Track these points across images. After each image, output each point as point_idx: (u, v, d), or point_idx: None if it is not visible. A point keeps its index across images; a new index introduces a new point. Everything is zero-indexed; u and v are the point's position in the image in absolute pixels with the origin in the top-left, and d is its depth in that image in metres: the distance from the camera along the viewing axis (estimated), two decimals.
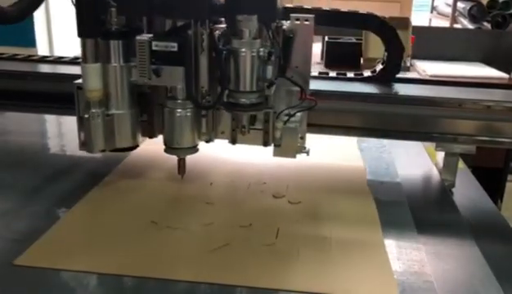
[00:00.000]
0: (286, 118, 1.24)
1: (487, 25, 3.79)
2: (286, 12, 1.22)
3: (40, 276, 0.97)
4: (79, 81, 1.22)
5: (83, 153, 1.62)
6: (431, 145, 1.58)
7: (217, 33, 1.17)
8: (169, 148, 1.26)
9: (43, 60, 1.83)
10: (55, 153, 1.70)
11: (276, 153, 1.30)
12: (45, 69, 1.73)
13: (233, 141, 1.32)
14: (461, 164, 1.63)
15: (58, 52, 3.42)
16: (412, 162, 1.62)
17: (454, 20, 4.38)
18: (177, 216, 1.20)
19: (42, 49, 3.33)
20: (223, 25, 1.20)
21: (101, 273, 0.98)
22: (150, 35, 1.16)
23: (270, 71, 1.16)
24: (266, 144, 1.30)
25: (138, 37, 1.14)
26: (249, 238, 1.11)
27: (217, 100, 1.18)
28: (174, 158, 1.52)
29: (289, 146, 1.27)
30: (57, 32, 3.50)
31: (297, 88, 1.22)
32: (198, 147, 1.28)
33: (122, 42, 1.17)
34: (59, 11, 3.53)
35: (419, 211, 1.28)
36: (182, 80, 1.15)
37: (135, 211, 1.22)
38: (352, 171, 1.50)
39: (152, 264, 1.01)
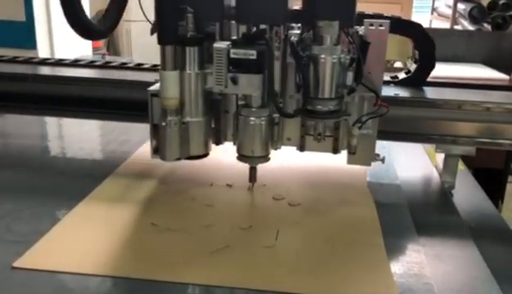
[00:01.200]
0: (359, 124, 1.22)
1: (488, 27, 3.79)
2: None
3: (39, 279, 0.97)
4: (154, 88, 1.21)
5: (83, 155, 1.64)
6: (431, 147, 1.58)
7: (293, 39, 1.15)
8: (242, 156, 1.25)
9: (44, 62, 1.84)
10: (55, 156, 1.70)
11: (350, 161, 1.28)
12: (46, 71, 1.74)
13: (301, 148, 1.31)
14: (461, 166, 1.63)
15: (59, 54, 3.42)
16: (412, 163, 1.62)
17: (454, 21, 4.38)
18: (177, 218, 1.20)
19: (42, 51, 3.33)
20: (296, 31, 1.18)
21: (101, 276, 0.98)
22: (228, 43, 1.14)
23: (350, 77, 1.15)
24: (336, 151, 1.29)
25: (216, 45, 1.12)
26: (249, 240, 1.11)
27: (302, 107, 1.16)
28: (173, 162, 1.53)
29: (364, 154, 1.26)
30: (58, 34, 3.50)
31: (369, 94, 1.21)
32: (270, 156, 1.26)
33: (197, 49, 1.15)
34: (60, 13, 3.53)
35: (419, 213, 1.28)
36: (259, 88, 1.13)
37: (134, 213, 1.22)
38: (352, 172, 1.50)
39: (152, 266, 1.01)
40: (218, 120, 1.27)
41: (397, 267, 1.04)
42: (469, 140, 1.40)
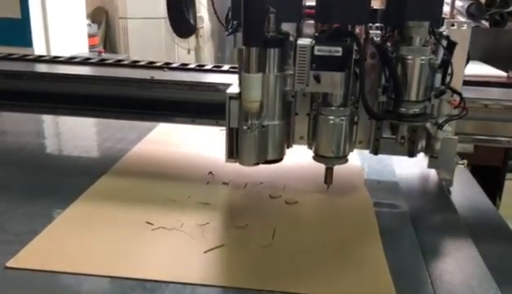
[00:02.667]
0: (439, 127, 1.21)
1: (486, 24, 3.77)
2: None
3: (33, 278, 0.96)
4: (232, 91, 1.17)
5: (79, 153, 1.63)
6: None
7: (376, 39, 1.15)
8: (319, 156, 1.23)
9: (39, 59, 1.83)
10: (50, 154, 1.69)
11: (431, 165, 1.26)
12: (41, 68, 1.73)
13: (375, 151, 1.29)
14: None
15: (55, 52, 3.40)
16: (410, 160, 1.61)
17: (452, 18, 4.36)
18: (172, 217, 1.19)
19: (38, 49, 3.31)
20: (375, 31, 1.17)
21: (95, 276, 0.97)
22: (310, 40, 1.11)
23: (439, 79, 1.13)
24: (411, 154, 1.28)
25: (300, 42, 1.10)
26: (245, 239, 1.10)
27: (394, 109, 1.13)
28: (169, 160, 1.52)
29: (446, 157, 1.23)
30: (54, 31, 3.49)
31: (448, 96, 1.19)
32: (348, 157, 1.24)
33: (278, 50, 1.13)
34: (56, 11, 3.52)
35: (417, 212, 1.27)
36: (341, 86, 1.10)
37: (130, 211, 1.21)
38: (350, 170, 1.49)
39: (147, 265, 1.00)
40: (289, 123, 1.26)
41: (394, 266, 1.02)
42: (466, 137, 1.40)
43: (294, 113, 1.27)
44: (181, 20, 1.37)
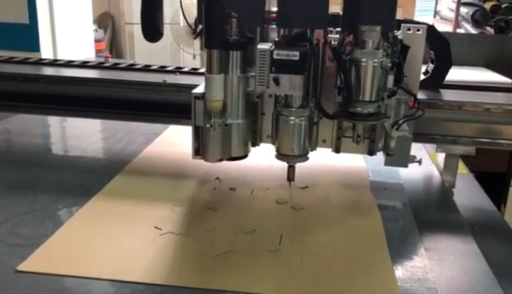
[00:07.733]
0: (396, 126, 1.25)
1: (490, 30, 3.78)
2: None
3: (43, 282, 0.97)
4: (197, 91, 1.22)
5: (89, 157, 1.64)
6: (432, 148, 1.60)
7: (333, 43, 1.19)
8: (281, 154, 1.27)
9: (53, 63, 1.87)
10: (60, 157, 1.70)
11: (387, 163, 1.30)
12: (56, 72, 1.75)
13: (337, 150, 1.34)
14: (465, 170, 1.63)
15: (62, 57, 3.43)
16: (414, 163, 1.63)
17: (457, 24, 4.36)
18: (179, 222, 1.20)
19: (46, 54, 3.34)
20: (335, 35, 1.22)
21: (105, 280, 0.98)
22: (270, 44, 1.17)
23: (391, 81, 1.17)
24: (372, 153, 1.32)
25: (260, 46, 1.15)
26: (252, 245, 1.11)
27: (345, 109, 1.18)
28: (177, 164, 1.53)
29: (402, 155, 1.28)
30: (61, 37, 3.52)
31: (405, 97, 1.23)
32: (308, 155, 1.28)
33: (240, 53, 1.17)
34: (63, 17, 3.55)
35: (421, 215, 1.29)
36: (300, 88, 1.15)
37: (138, 216, 1.22)
38: (355, 174, 1.51)
39: (154, 270, 1.01)
40: (255, 122, 1.30)
41: (400, 272, 1.03)
42: (469, 140, 1.42)
43: (260, 113, 1.31)
44: (151, 24, 1.39)
